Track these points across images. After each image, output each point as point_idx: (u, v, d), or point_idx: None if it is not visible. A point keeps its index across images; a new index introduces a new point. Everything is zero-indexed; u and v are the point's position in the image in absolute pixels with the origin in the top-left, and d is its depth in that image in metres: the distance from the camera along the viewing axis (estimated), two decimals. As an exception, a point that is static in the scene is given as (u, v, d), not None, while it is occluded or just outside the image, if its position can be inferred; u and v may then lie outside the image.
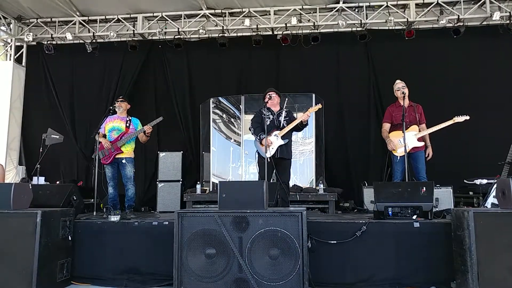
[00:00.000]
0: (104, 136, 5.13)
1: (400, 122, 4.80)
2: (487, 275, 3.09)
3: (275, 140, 4.66)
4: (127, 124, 5.16)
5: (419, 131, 4.91)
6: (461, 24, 6.80)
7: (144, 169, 7.46)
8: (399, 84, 5.09)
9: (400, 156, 4.84)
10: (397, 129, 4.97)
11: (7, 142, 7.55)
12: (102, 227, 4.22)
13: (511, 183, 3.21)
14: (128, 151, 5.14)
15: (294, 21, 7.14)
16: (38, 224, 3.60)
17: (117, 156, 5.04)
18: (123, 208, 5.14)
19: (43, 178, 6.51)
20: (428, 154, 4.99)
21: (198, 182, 6.55)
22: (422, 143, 4.92)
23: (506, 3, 6.86)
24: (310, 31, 7.25)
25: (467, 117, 4.68)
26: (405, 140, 4.67)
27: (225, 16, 7.40)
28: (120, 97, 5.46)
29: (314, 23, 7.20)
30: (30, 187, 4.10)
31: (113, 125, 5.15)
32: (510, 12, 6.69)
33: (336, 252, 3.81)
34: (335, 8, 7.16)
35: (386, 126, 5.11)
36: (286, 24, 7.21)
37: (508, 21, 6.70)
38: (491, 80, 6.86)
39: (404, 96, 4.91)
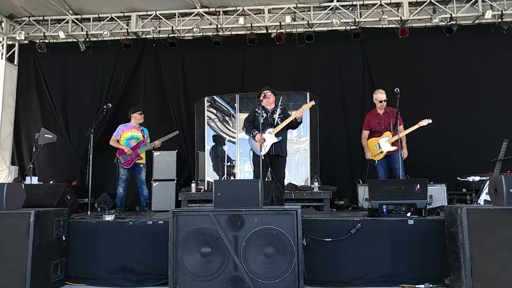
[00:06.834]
0: (118, 142, 5.68)
1: (377, 129, 5.43)
2: (480, 271, 3.12)
3: (268, 138, 4.64)
4: (142, 134, 5.82)
5: (392, 136, 5.27)
6: (454, 22, 6.86)
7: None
8: (383, 96, 5.41)
9: (378, 160, 5.38)
10: (373, 136, 5.49)
11: (-1, 141, 7.49)
12: (97, 226, 4.20)
13: (503, 180, 3.25)
14: (143, 157, 5.83)
15: (288, 19, 7.14)
16: (31, 224, 3.57)
17: (137, 161, 5.69)
18: (129, 208, 5.72)
19: (36, 178, 6.47)
20: (403, 154, 5.35)
21: (193, 181, 6.54)
22: (395, 147, 5.24)
23: (498, 1, 6.93)
24: (304, 30, 7.26)
25: (430, 121, 5.06)
26: (381, 145, 5.31)
27: (219, 14, 7.37)
28: (138, 109, 5.93)
29: (308, 21, 7.20)
30: (23, 187, 4.07)
31: (132, 134, 5.73)
32: (501, 11, 6.76)
33: (331, 250, 3.83)
34: (329, 6, 7.17)
35: (365, 133, 5.58)
36: (280, 22, 7.21)
37: (499, 20, 6.76)
38: (483, 78, 6.91)
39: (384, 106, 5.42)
